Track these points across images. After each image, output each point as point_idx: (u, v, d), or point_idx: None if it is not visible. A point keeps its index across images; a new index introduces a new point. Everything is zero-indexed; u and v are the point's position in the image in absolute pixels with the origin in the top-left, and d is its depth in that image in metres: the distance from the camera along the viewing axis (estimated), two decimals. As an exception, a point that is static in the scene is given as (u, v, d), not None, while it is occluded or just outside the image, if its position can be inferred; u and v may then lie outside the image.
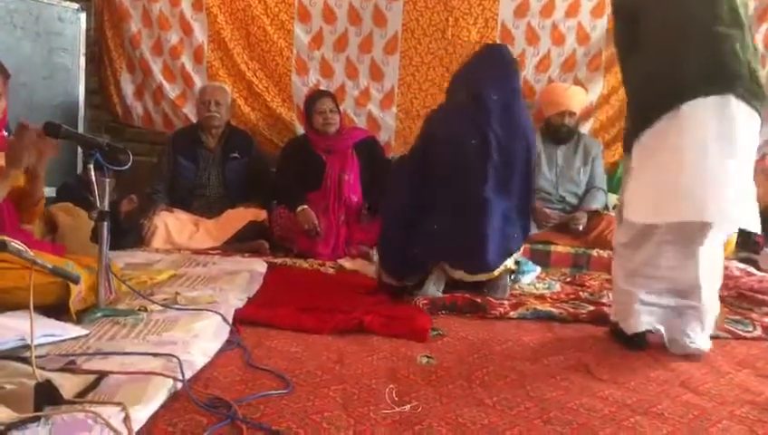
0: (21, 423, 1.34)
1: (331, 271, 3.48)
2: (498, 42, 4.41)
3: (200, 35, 4.56)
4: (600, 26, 4.48)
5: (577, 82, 4.46)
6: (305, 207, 3.88)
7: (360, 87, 4.57)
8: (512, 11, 4.47)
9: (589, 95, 4.46)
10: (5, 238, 1.54)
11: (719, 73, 2.17)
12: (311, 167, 4.02)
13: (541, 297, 3.02)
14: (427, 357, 2.17)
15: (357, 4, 4.49)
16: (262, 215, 3.98)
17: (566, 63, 4.51)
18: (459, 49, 4.47)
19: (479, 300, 2.83)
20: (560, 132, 4.17)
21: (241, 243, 3.82)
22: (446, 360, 2.17)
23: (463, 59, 4.41)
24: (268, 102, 4.59)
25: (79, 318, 2.18)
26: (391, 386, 1.88)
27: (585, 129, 4.49)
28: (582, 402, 1.83)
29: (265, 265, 3.33)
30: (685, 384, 2.02)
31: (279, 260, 3.58)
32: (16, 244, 1.57)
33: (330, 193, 3.99)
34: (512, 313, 2.77)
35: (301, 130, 4.47)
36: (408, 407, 1.74)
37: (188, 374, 1.79)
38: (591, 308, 2.82)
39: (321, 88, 4.42)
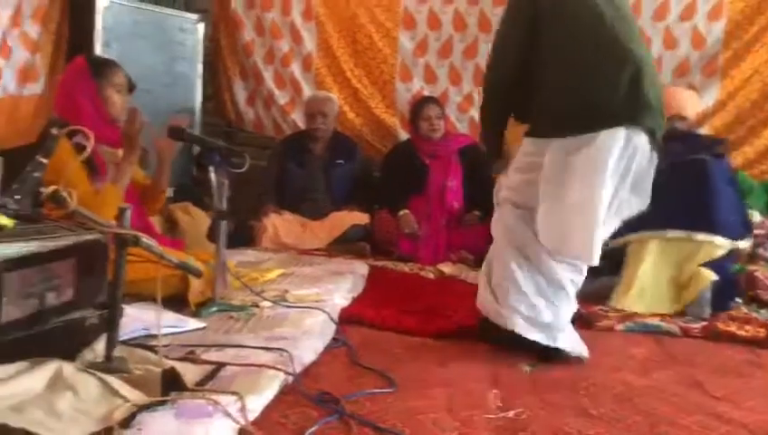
0: (151, 405, 1.45)
1: (430, 275, 3.50)
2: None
3: (309, 44, 4.70)
4: (717, 30, 4.27)
5: (691, 88, 4.27)
6: (407, 211, 3.93)
7: (463, 92, 4.57)
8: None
9: (703, 100, 4.26)
10: (138, 234, 1.67)
11: (637, 102, 2.16)
12: (414, 172, 4.06)
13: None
14: (531, 365, 2.15)
15: (462, 10, 4.49)
16: (364, 218, 4.05)
17: (679, 68, 4.33)
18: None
19: (584, 311, 2.76)
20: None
21: (344, 245, 3.90)
22: (550, 368, 2.14)
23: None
24: (372, 108, 4.67)
25: (196, 311, 2.32)
26: (495, 391, 1.89)
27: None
28: (696, 419, 1.76)
29: (367, 268, 3.40)
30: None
31: (380, 263, 3.64)
32: (147, 239, 1.69)
33: (432, 198, 4.01)
34: (618, 326, 2.69)
35: (403, 135, 4.52)
36: (512, 413, 1.74)
37: (298, 369, 1.87)
38: (705, 324, 2.70)
39: (426, 94, 4.45)
